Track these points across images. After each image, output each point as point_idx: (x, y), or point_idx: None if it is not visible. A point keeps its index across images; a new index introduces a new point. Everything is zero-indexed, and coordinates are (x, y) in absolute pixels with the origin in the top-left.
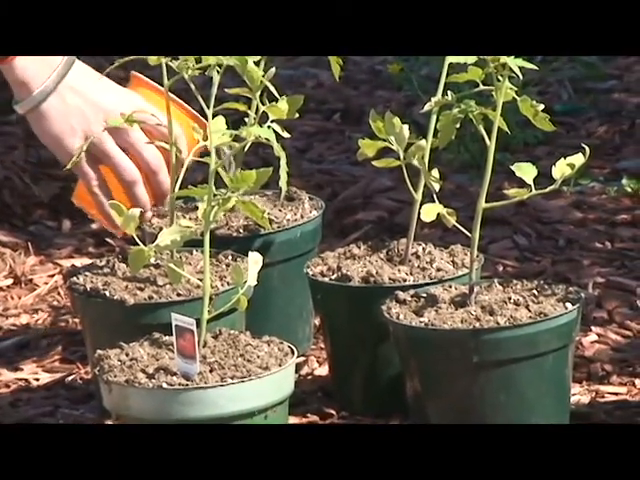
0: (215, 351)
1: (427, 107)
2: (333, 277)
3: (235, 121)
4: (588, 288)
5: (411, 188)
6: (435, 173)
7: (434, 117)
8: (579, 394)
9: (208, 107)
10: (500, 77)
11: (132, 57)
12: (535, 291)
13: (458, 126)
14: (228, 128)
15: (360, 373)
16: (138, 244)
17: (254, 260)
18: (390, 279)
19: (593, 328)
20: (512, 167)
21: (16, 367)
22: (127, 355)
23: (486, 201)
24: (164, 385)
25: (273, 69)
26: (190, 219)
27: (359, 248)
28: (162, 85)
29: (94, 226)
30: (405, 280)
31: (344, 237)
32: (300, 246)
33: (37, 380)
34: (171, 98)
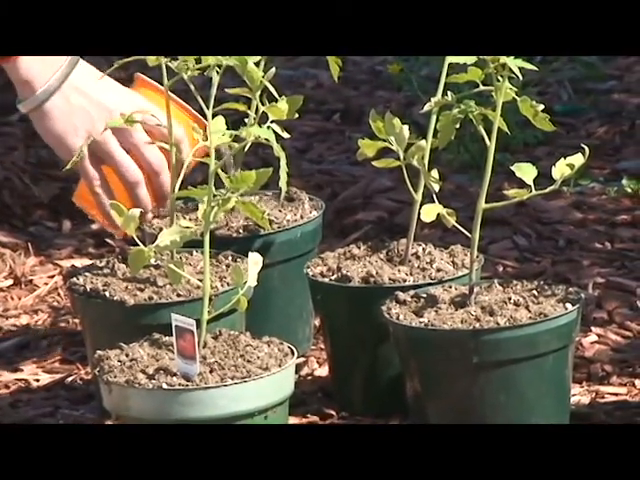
0: (215, 352)
1: (427, 107)
2: (333, 277)
3: (235, 121)
4: (588, 288)
5: (411, 188)
6: (435, 173)
7: (434, 117)
8: (579, 395)
9: (208, 107)
10: (500, 77)
11: (132, 58)
12: (535, 291)
13: (458, 126)
14: (228, 128)
15: (360, 374)
16: (138, 245)
17: (254, 261)
18: (390, 279)
19: (593, 329)
20: (512, 167)
21: (16, 368)
22: (127, 356)
23: (486, 201)
24: (164, 386)
25: (273, 69)
26: (190, 220)
27: (359, 248)
28: (162, 86)
29: (94, 227)
30: (405, 280)
31: (344, 237)
32: (300, 246)
33: (37, 381)
34: (174, 100)
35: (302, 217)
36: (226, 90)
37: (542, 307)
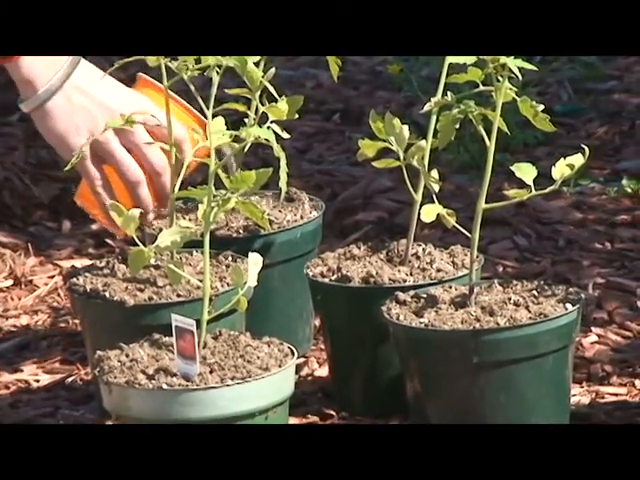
0: (215, 352)
1: (427, 107)
2: (333, 278)
3: (235, 122)
4: (588, 289)
5: (411, 189)
6: (435, 174)
7: (434, 117)
8: (579, 395)
9: (208, 108)
10: (500, 78)
11: (132, 58)
12: (535, 292)
13: (458, 127)
14: (228, 129)
15: (360, 374)
16: (138, 245)
17: (254, 261)
18: (390, 280)
19: (593, 329)
20: (512, 168)
21: (16, 368)
22: (127, 356)
23: (486, 202)
24: (164, 386)
25: (273, 69)
26: (190, 220)
27: (359, 249)
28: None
29: (94, 227)
30: (405, 281)
31: (344, 238)
32: (300, 247)
33: (37, 381)
34: (177, 101)
35: (302, 217)
36: (226, 90)
37: (542, 307)
